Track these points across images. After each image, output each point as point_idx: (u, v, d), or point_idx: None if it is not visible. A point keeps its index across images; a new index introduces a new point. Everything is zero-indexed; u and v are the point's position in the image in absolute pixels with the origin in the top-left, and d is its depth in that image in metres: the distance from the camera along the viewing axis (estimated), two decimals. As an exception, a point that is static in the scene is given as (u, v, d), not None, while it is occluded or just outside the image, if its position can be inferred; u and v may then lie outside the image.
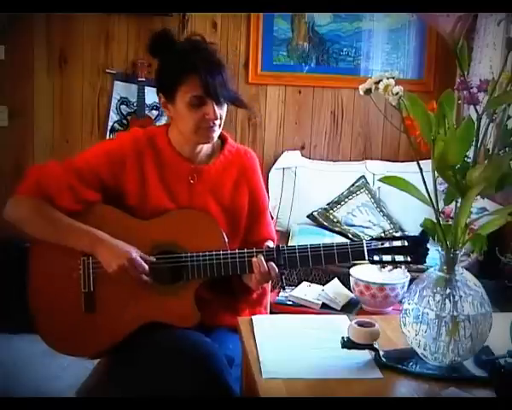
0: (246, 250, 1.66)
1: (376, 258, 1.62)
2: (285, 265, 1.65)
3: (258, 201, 1.83)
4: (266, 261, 1.63)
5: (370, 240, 1.65)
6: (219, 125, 1.72)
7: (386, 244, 1.63)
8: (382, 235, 3.37)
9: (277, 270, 1.64)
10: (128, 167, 1.74)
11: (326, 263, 1.66)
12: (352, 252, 1.64)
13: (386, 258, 1.62)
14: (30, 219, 1.70)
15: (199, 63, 1.67)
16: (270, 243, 1.72)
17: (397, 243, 1.63)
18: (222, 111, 1.71)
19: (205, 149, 1.79)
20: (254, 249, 1.66)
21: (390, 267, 1.64)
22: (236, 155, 1.82)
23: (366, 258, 1.63)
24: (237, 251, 1.67)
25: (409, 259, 1.61)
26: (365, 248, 1.62)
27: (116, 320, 1.68)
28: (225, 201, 1.78)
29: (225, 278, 1.69)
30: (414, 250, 1.60)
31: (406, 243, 1.62)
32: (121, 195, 1.74)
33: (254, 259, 1.64)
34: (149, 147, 1.76)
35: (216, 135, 1.73)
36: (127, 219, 1.72)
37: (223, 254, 1.66)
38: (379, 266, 1.65)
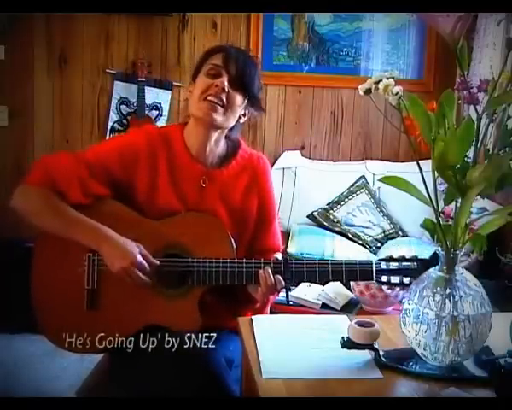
0: (253, 261, 1.65)
1: (384, 279, 1.62)
2: (292, 279, 1.64)
3: (267, 208, 1.82)
4: (273, 274, 1.62)
5: (379, 260, 1.64)
6: (224, 109, 1.70)
7: (395, 265, 1.62)
8: (383, 234, 3.38)
9: (284, 283, 1.63)
10: (140, 164, 1.73)
11: (333, 279, 1.66)
12: (361, 271, 1.63)
13: (394, 279, 1.62)
14: (37, 209, 1.69)
15: (230, 46, 1.80)
16: (279, 256, 1.70)
17: (406, 265, 1.62)
18: (233, 94, 1.70)
19: (216, 152, 1.78)
20: (262, 261, 1.65)
21: (397, 288, 1.64)
22: (249, 161, 1.81)
23: (374, 279, 1.63)
24: (244, 261, 1.65)
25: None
26: (374, 269, 1.62)
27: (118, 320, 1.67)
28: (234, 206, 1.77)
29: (230, 286, 1.67)
30: (423, 273, 1.58)
31: (416, 265, 1.61)
32: (131, 191, 1.73)
33: (261, 271, 1.63)
34: (163, 146, 1.75)
35: (216, 117, 1.69)
36: (137, 218, 1.71)
37: (230, 263, 1.65)
38: (386, 286, 1.64)
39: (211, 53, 1.77)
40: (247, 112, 1.79)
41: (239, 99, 1.73)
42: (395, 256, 1.66)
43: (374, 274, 1.62)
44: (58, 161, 1.73)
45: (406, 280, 1.61)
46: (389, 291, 2.28)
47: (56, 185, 1.68)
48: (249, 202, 1.79)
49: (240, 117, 1.78)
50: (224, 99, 1.70)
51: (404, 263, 1.62)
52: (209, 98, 1.69)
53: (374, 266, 1.63)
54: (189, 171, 1.75)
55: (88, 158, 1.72)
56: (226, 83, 1.70)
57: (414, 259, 1.63)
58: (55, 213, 1.68)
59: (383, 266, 1.62)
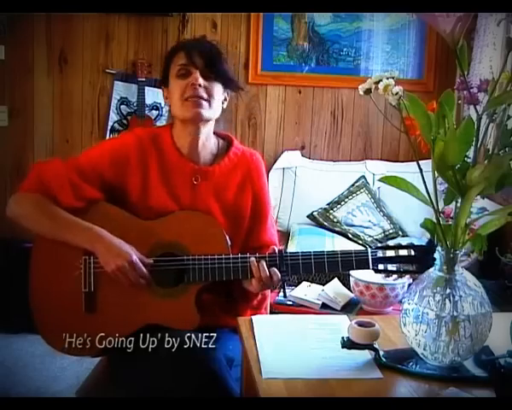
0: (248, 255, 1.65)
1: (381, 267, 1.60)
2: (287, 271, 1.64)
3: (261, 205, 1.82)
4: (269, 267, 1.62)
5: (375, 249, 1.62)
6: (208, 102, 1.71)
7: (392, 253, 1.60)
8: (383, 234, 3.38)
9: (280, 275, 1.63)
10: (131, 167, 1.74)
11: (329, 271, 1.64)
12: (356, 261, 1.61)
13: (391, 267, 1.59)
14: (31, 214, 1.70)
15: (187, 41, 1.82)
16: (276, 249, 1.69)
17: (403, 253, 1.60)
18: (209, 85, 1.72)
19: (208, 149, 1.79)
20: (257, 255, 1.65)
21: (395, 276, 1.62)
22: (242, 158, 1.81)
23: (370, 267, 1.61)
24: (240, 256, 1.65)
25: (414, 268, 1.58)
26: (370, 258, 1.60)
27: (116, 321, 1.67)
28: (228, 203, 1.77)
29: (226, 282, 1.68)
30: (420, 260, 1.56)
31: (413, 253, 1.59)
32: (123, 194, 1.74)
33: (253, 259, 1.63)
34: (153, 146, 1.76)
35: (204, 112, 1.71)
36: (130, 219, 1.71)
37: (225, 259, 1.65)
38: (383, 275, 1.63)
39: (172, 54, 1.77)
40: (226, 95, 1.80)
41: (217, 87, 1.74)
42: (391, 245, 1.64)
43: (370, 263, 1.60)
44: (49, 168, 1.75)
45: (404, 268, 1.59)
46: (389, 290, 2.29)
47: (49, 190, 1.70)
48: (243, 198, 1.79)
49: (222, 102, 1.79)
50: (204, 94, 1.71)
51: (401, 251, 1.60)
52: (190, 99, 1.70)
53: (370, 254, 1.61)
54: (179, 170, 1.76)
55: (79, 162, 1.74)
56: (200, 78, 1.71)
57: (410, 246, 1.61)
58: (48, 217, 1.69)
59: (379, 254, 1.60)
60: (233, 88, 1.81)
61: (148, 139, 1.77)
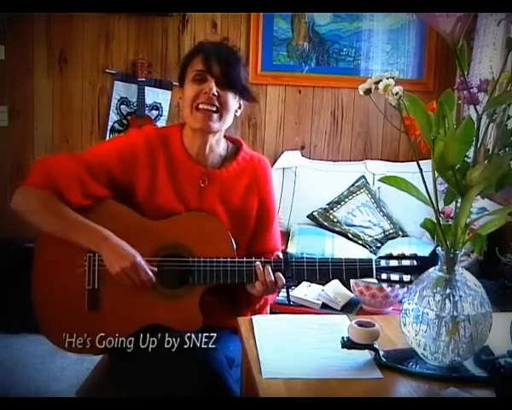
0: (254, 259, 1.65)
1: (384, 276, 1.63)
2: (292, 277, 1.65)
3: (267, 210, 1.82)
4: (274, 272, 1.62)
5: (379, 258, 1.64)
6: (219, 113, 1.70)
7: (395, 263, 1.62)
8: (383, 234, 3.38)
9: (284, 281, 1.63)
10: (139, 165, 1.73)
11: (333, 278, 1.67)
12: (360, 269, 1.64)
13: (394, 277, 1.62)
14: (37, 210, 1.69)
15: (207, 45, 1.77)
16: (280, 254, 1.69)
17: (406, 263, 1.62)
18: (223, 94, 1.69)
19: (217, 152, 1.79)
20: (262, 259, 1.65)
21: (398, 286, 1.64)
22: (250, 162, 1.81)
23: (374, 276, 1.63)
24: (245, 259, 1.65)
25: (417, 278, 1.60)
26: (374, 267, 1.63)
27: (119, 320, 1.67)
28: (234, 207, 1.76)
29: (230, 285, 1.67)
30: (423, 271, 1.56)
31: (415, 263, 1.61)
32: (131, 192, 1.73)
33: (258, 263, 1.63)
34: (162, 146, 1.76)
35: (213, 125, 1.70)
36: (137, 218, 1.71)
37: (230, 262, 1.65)
38: (386, 284, 1.65)
39: (190, 56, 1.75)
40: (241, 103, 1.78)
41: (231, 96, 1.72)
42: (395, 254, 1.66)
43: (374, 272, 1.63)
44: (58, 163, 1.73)
45: (406, 278, 1.62)
46: (389, 290, 2.29)
47: (57, 187, 1.69)
48: (249, 203, 1.79)
49: (235, 111, 1.77)
50: (217, 103, 1.69)
51: (404, 261, 1.63)
52: (201, 106, 1.69)
53: (374, 263, 1.63)
54: (187, 171, 1.75)
55: (87, 159, 1.73)
56: (214, 87, 1.69)
57: (413, 256, 1.63)
58: (55, 215, 1.68)
59: (383, 263, 1.63)
60: (247, 98, 1.79)
61: (157, 139, 1.76)
